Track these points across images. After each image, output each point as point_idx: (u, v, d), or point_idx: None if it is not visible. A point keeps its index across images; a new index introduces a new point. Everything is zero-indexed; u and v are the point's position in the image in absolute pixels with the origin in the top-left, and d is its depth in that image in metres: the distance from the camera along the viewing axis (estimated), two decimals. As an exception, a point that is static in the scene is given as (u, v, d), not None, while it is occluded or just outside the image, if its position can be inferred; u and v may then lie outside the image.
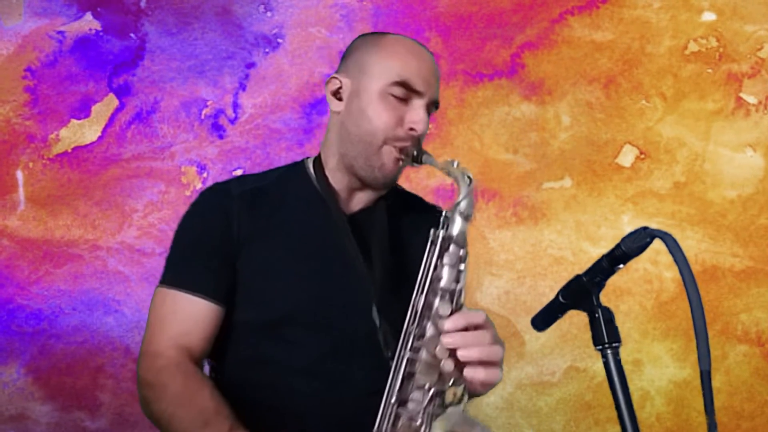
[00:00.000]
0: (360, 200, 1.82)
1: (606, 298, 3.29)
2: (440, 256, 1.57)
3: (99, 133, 3.31)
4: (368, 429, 1.53)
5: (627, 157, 3.38)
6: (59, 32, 3.32)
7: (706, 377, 1.15)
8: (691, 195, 3.36)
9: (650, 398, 3.33)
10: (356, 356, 1.69)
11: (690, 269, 1.21)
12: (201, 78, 3.34)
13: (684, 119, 3.38)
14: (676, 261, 1.22)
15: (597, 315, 1.37)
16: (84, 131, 3.32)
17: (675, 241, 1.25)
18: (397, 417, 1.52)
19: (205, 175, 3.32)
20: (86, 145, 3.31)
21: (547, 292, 3.23)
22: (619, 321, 3.48)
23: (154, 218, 3.31)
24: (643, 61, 3.39)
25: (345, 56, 1.84)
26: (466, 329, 1.51)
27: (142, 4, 3.34)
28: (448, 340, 1.48)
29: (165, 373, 1.62)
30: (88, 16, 3.33)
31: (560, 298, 1.44)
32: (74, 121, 3.31)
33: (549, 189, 3.38)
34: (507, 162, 3.38)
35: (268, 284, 1.70)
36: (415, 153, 1.70)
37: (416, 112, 1.73)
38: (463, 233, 1.58)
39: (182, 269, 1.71)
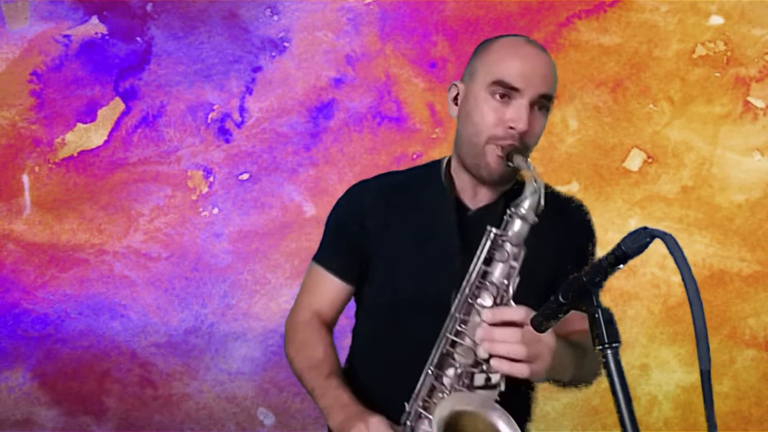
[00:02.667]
0: (482, 198, 1.94)
1: (613, 302, 3.33)
2: (491, 252, 1.74)
3: (105, 137, 3.35)
4: None
5: (634, 161, 3.41)
6: (65, 36, 3.35)
7: (705, 377, 1.17)
8: (699, 199, 3.39)
9: (658, 403, 3.36)
10: (430, 340, 1.83)
11: (690, 269, 1.22)
12: (207, 82, 3.38)
13: (692, 123, 3.41)
14: (675, 261, 1.23)
15: (597, 315, 1.37)
16: (90, 135, 3.35)
17: (675, 241, 1.25)
18: (433, 388, 1.75)
19: (211, 179, 3.36)
20: (92, 149, 3.35)
21: (555, 296, 3.26)
22: (627, 326, 3.51)
23: (160, 222, 3.34)
24: (651, 65, 3.41)
25: (468, 64, 1.97)
26: (502, 324, 1.66)
27: (149, 7, 3.37)
28: (479, 333, 1.67)
29: (296, 327, 2.04)
30: (94, 19, 3.36)
31: (560, 299, 1.45)
32: (80, 125, 3.35)
33: (556, 193, 3.42)
34: (514, 166, 3.42)
35: (389, 271, 1.96)
36: (509, 152, 1.79)
37: (515, 109, 1.80)
38: (519, 234, 1.73)
39: (324, 250, 2.06)
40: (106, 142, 3.36)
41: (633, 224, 3.31)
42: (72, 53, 3.36)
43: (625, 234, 1.35)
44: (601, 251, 1.42)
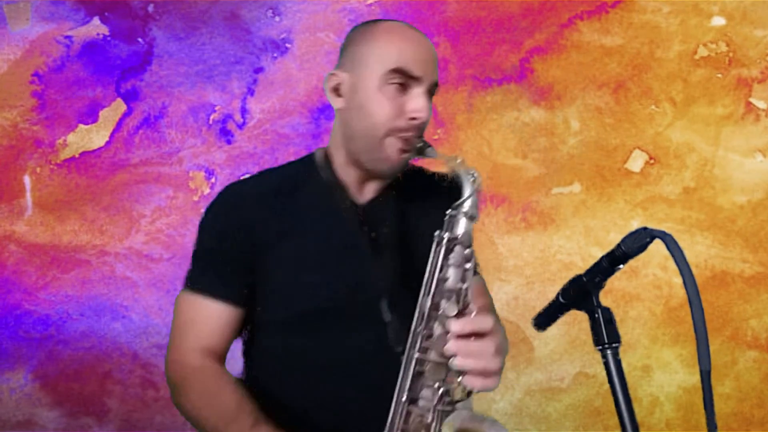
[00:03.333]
0: (370, 190, 1.84)
1: (615, 303, 3.35)
2: (445, 257, 1.61)
3: (107, 138, 3.36)
4: (381, 422, 1.60)
5: (636, 162, 3.42)
6: (66, 37, 3.36)
7: (705, 377, 1.18)
8: (701, 200, 3.40)
9: (659, 404, 3.37)
10: (368, 351, 1.74)
11: (690, 269, 1.24)
12: (209, 83, 3.39)
13: (693, 124, 3.42)
14: (675, 261, 1.25)
15: (597, 315, 1.40)
16: (91, 136, 3.36)
17: (674, 240, 1.27)
18: (409, 414, 1.59)
19: (213, 180, 3.37)
20: (94, 150, 3.36)
21: (557, 297, 3.27)
22: (629, 327, 3.53)
23: (161, 224, 3.35)
24: (653, 66, 3.43)
25: (342, 51, 1.83)
26: (472, 334, 1.55)
27: (150, 8, 3.38)
28: (450, 347, 1.54)
29: (189, 375, 1.74)
30: (96, 20, 3.37)
31: (560, 299, 1.47)
32: (82, 126, 3.36)
33: (558, 194, 3.42)
34: (516, 167, 3.42)
35: (286, 284, 1.77)
36: (419, 146, 1.72)
37: (416, 100, 1.72)
38: (467, 233, 1.62)
39: (203, 274, 1.79)
40: (107, 143, 3.37)
41: (635, 225, 3.28)
42: (73, 54, 3.37)
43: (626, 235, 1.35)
44: (602, 252, 1.42)
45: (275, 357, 1.81)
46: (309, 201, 1.81)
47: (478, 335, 1.55)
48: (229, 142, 3.39)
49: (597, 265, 1.41)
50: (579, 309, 1.45)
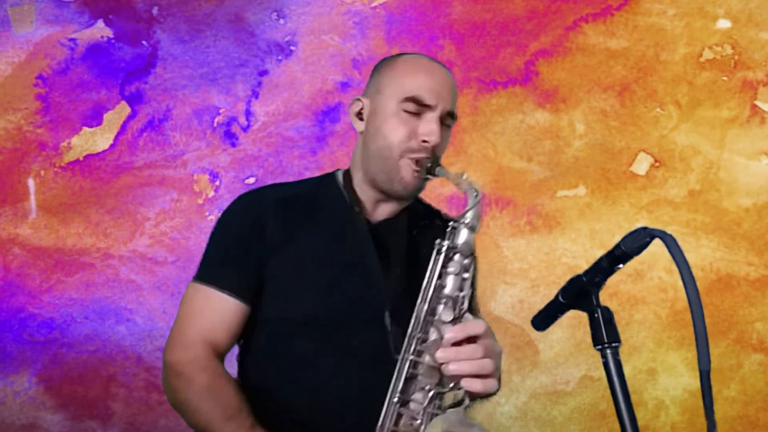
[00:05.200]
0: (384, 211, 1.96)
1: (620, 306, 3.37)
2: (444, 265, 1.71)
3: (111, 141, 3.38)
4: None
5: (641, 165, 3.44)
6: (71, 39, 3.39)
7: (705, 378, 1.19)
8: (706, 203, 3.42)
9: (665, 407, 3.38)
10: (369, 358, 1.80)
11: (690, 269, 1.25)
12: (213, 86, 3.42)
13: (699, 127, 3.44)
14: (675, 260, 1.26)
15: (596, 315, 1.41)
16: (96, 139, 3.38)
17: (674, 240, 1.28)
18: (399, 416, 1.64)
19: (217, 183, 3.39)
20: (98, 153, 3.38)
21: (562, 300, 3.27)
22: (634, 330, 3.54)
23: (166, 227, 3.37)
24: (658, 69, 3.45)
25: (370, 79, 2.00)
26: (464, 340, 1.62)
27: (154, 11, 3.40)
28: (440, 355, 1.61)
29: (193, 365, 1.77)
30: (100, 23, 3.40)
31: (560, 298, 1.48)
32: (86, 129, 3.38)
33: (563, 197, 3.45)
34: (521, 170, 3.45)
35: (294, 287, 1.85)
36: (429, 165, 1.82)
37: (427, 124, 1.85)
38: (468, 243, 1.71)
39: (214, 268, 1.88)
40: (111, 145, 3.39)
41: (640, 228, 3.31)
42: (78, 57, 3.39)
43: (631, 238, 1.37)
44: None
45: (274, 359, 1.86)
46: (324, 212, 1.94)
47: (470, 340, 1.62)
48: (233, 144, 3.42)
49: (597, 265, 1.41)
50: (579, 309, 1.46)
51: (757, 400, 3.38)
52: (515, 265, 3.43)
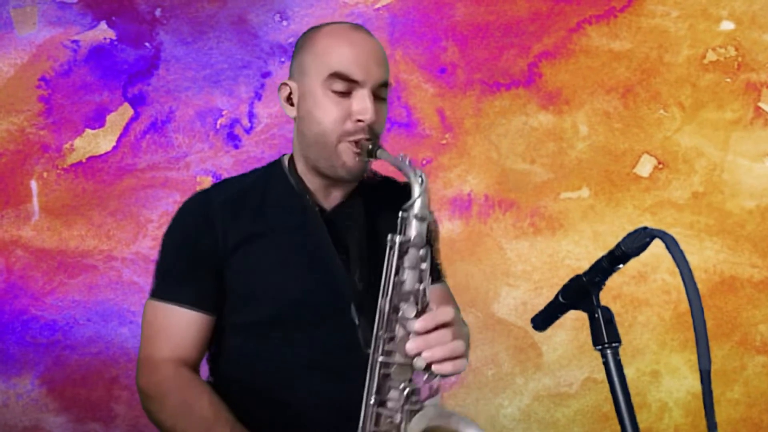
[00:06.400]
0: (335, 197, 1.89)
1: (624, 309, 3.39)
2: (400, 259, 1.64)
3: (114, 143, 3.39)
4: (352, 422, 1.64)
5: (645, 167, 3.45)
6: (74, 41, 3.39)
7: (705, 377, 1.20)
8: (710, 205, 3.44)
9: (668, 410, 3.40)
10: (338, 354, 1.80)
11: (690, 269, 1.25)
12: (216, 87, 3.42)
13: (702, 129, 3.45)
14: (675, 260, 1.26)
15: (596, 315, 1.41)
16: (98, 141, 3.39)
17: (674, 240, 1.28)
18: (379, 417, 1.62)
19: (220, 185, 3.40)
20: (101, 155, 3.38)
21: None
22: (637, 332, 3.56)
23: (169, 228, 3.38)
24: (661, 71, 3.46)
25: (292, 59, 1.90)
26: (434, 329, 1.58)
27: (157, 13, 3.41)
28: (410, 346, 1.57)
29: (163, 385, 1.76)
30: (103, 25, 3.40)
31: (560, 298, 1.49)
32: (89, 131, 3.39)
33: (566, 199, 3.46)
34: (524, 172, 3.46)
35: (255, 288, 1.82)
36: (369, 147, 1.75)
37: (359, 101, 1.76)
38: (420, 235, 1.64)
39: (170, 282, 1.83)
40: (114, 147, 3.39)
41: (643, 230, 3.31)
42: (80, 58, 3.39)
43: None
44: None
45: (243, 360, 1.84)
46: (275, 206, 1.87)
47: (439, 328, 1.59)
48: (236, 146, 3.43)
49: (597, 265, 1.42)
50: (579, 309, 1.46)
51: (761, 402, 3.39)
52: (518, 267, 3.45)
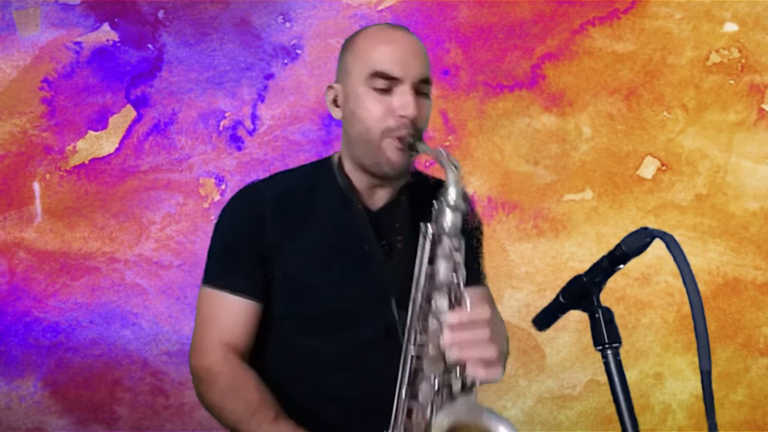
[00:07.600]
0: (381, 197, 1.94)
1: (627, 311, 3.40)
2: (432, 249, 1.67)
3: (116, 145, 3.40)
4: (388, 416, 1.67)
5: (648, 168, 3.47)
6: (76, 43, 3.40)
7: (706, 377, 1.21)
8: (713, 207, 3.44)
9: (672, 412, 3.41)
10: (380, 349, 1.82)
11: (690, 269, 1.26)
12: (219, 89, 3.44)
13: (706, 131, 3.47)
14: (675, 260, 1.27)
15: (597, 315, 1.42)
16: (101, 143, 3.40)
17: (675, 240, 1.29)
18: (410, 410, 1.65)
19: (223, 186, 3.41)
20: (103, 157, 3.40)
21: (568, 304, 3.28)
22: (641, 334, 3.57)
23: (171, 230, 3.40)
24: (665, 73, 3.47)
25: (338, 63, 1.96)
26: (469, 325, 1.58)
27: (160, 14, 3.43)
28: (447, 339, 1.56)
29: (214, 368, 1.85)
30: (106, 26, 3.41)
31: (561, 299, 1.50)
32: (91, 133, 3.40)
33: (570, 201, 3.48)
34: (527, 174, 3.48)
35: (300, 283, 1.88)
36: (410, 141, 1.79)
37: (400, 97, 1.80)
38: (454, 224, 1.66)
39: (222, 270, 1.91)
40: (117, 149, 3.41)
41: (647, 232, 3.32)
42: (83, 60, 3.40)
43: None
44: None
45: (284, 353, 1.92)
46: (323, 204, 1.92)
47: (475, 325, 1.59)
48: (239, 148, 3.44)
49: (597, 265, 1.43)
50: (579, 309, 1.47)
51: (765, 404, 3.41)
52: (522, 269, 3.46)
